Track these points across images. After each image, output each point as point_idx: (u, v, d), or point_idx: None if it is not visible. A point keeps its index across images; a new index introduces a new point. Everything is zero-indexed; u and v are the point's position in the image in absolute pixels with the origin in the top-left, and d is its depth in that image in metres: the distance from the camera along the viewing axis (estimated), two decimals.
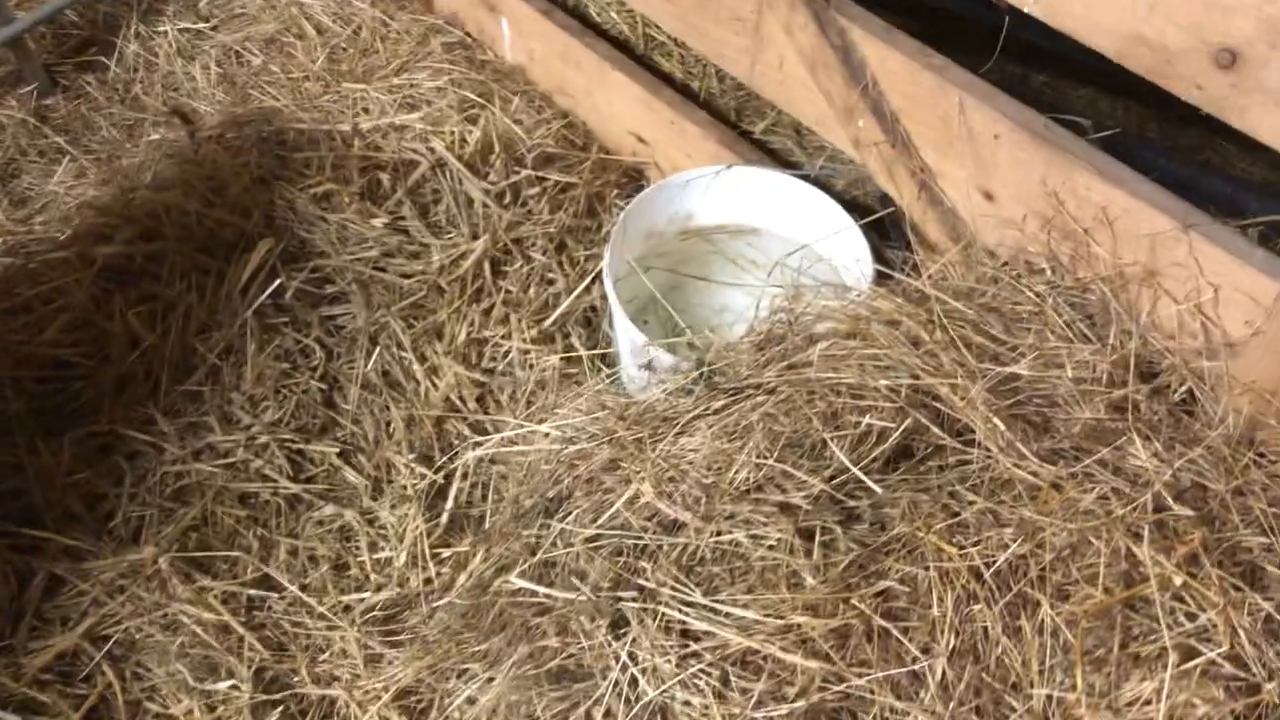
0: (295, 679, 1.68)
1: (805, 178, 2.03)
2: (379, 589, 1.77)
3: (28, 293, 1.99)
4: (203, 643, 1.70)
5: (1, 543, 1.78)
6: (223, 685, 1.66)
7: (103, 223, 2.09)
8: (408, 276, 2.06)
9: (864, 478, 1.44)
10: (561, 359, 2.01)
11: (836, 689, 1.35)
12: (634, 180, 2.36)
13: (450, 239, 2.10)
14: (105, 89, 2.50)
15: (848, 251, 1.91)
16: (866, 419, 1.50)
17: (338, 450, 1.90)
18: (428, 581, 1.77)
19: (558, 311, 2.07)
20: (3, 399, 1.89)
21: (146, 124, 2.38)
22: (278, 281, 2.00)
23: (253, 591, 1.76)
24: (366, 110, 2.32)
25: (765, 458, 1.51)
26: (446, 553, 1.79)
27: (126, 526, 1.83)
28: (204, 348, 1.96)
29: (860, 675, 1.35)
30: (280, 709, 1.64)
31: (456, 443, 1.94)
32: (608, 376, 1.98)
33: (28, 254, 2.08)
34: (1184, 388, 1.51)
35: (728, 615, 1.41)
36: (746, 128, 2.34)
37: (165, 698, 1.68)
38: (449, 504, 1.85)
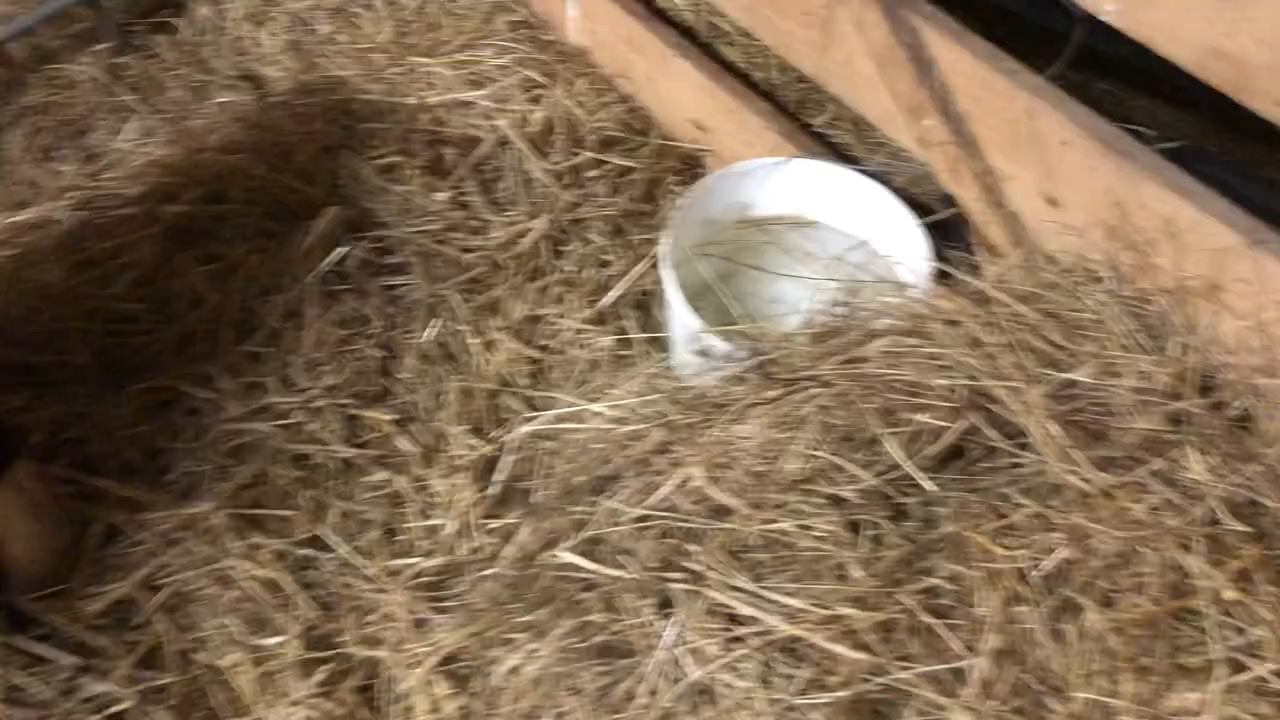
0: (342, 639, 1.72)
1: (866, 173, 2.04)
2: (427, 555, 1.80)
3: (96, 247, 2.04)
4: (253, 598, 1.74)
5: (63, 489, 1.82)
6: (271, 640, 1.70)
7: (171, 182, 2.13)
8: (468, 251, 2.09)
9: (918, 475, 1.46)
10: (615, 340, 2.03)
11: (879, 681, 1.37)
12: (691, 167, 2.37)
13: (511, 216, 2.13)
14: (175, 50, 2.54)
15: (907, 249, 1.92)
16: (921, 417, 1.52)
17: (392, 418, 1.94)
18: (475, 551, 1.80)
19: (612, 294, 2.09)
20: (69, 349, 1.94)
21: (214, 87, 2.42)
22: (341, 250, 2.03)
23: (303, 551, 1.80)
24: (432, 85, 2.35)
25: (817, 449, 1.53)
26: (494, 524, 1.82)
27: (183, 481, 1.87)
28: (265, 310, 2.00)
29: (903, 669, 1.37)
30: (327, 667, 1.68)
31: (508, 417, 1.96)
32: (659, 361, 2.00)
33: (97, 209, 2.12)
34: (1242, 404, 1.51)
35: (774, 602, 1.43)
36: (806, 120, 2.34)
37: (215, 649, 1.72)
38: (499, 477, 1.88)
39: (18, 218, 2.11)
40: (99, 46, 2.49)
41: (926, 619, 1.40)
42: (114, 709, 1.66)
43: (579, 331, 2.03)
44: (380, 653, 1.70)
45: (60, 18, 2.46)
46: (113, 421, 1.89)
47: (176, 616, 1.75)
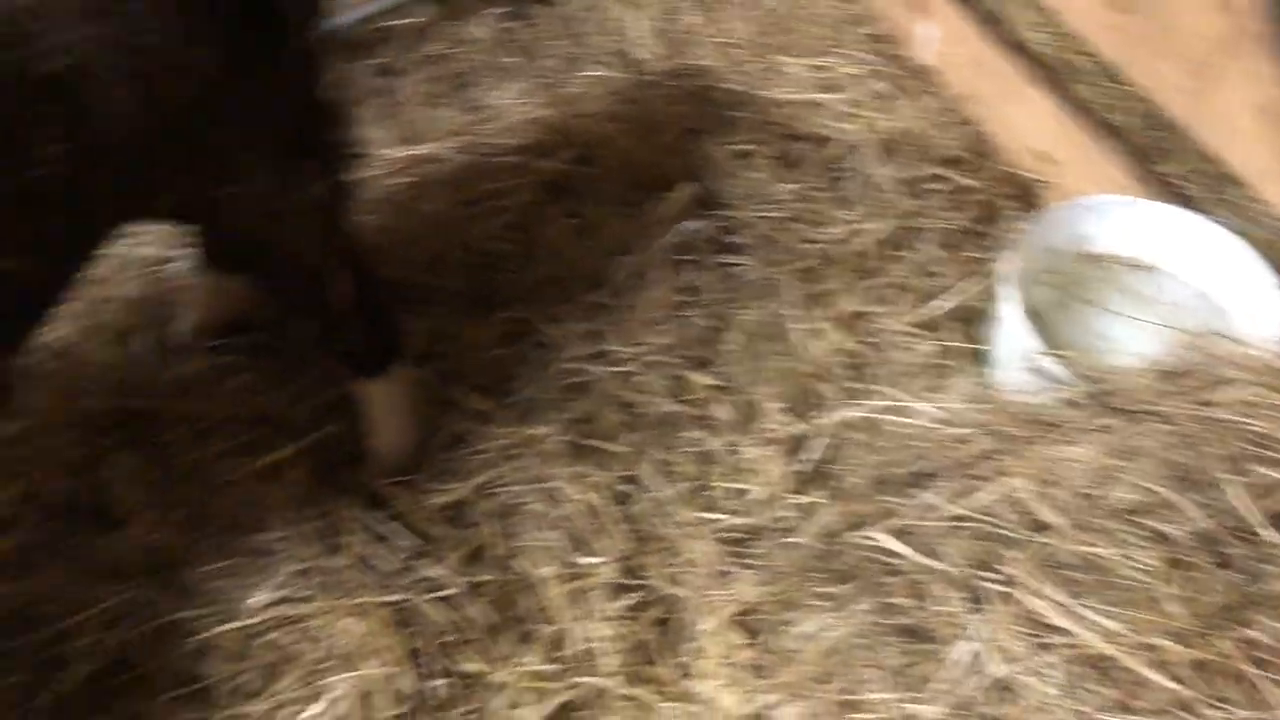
0: (648, 573, 1.86)
1: (1222, 226, 2.01)
2: (733, 514, 1.92)
3: (478, 188, 2.28)
4: (574, 519, 1.91)
5: (422, 394, 2.04)
6: (586, 560, 1.86)
7: (547, 140, 2.35)
8: (805, 242, 2.21)
9: (1261, 526, 1.45)
10: (934, 348, 2.09)
11: (1187, 716, 1.38)
12: (1029, 195, 2.40)
13: (851, 216, 2.24)
14: (555, 23, 2.77)
15: (1260, 307, 1.89)
16: (1266, 470, 1.51)
17: (714, 383, 2.07)
18: (778, 520, 1.90)
19: (940, 303, 2.15)
20: (445, 275, 2.17)
21: (587, 60, 2.63)
22: (690, 224, 2.19)
23: (622, 487, 1.95)
24: (787, 83, 2.48)
25: (1151, 483, 1.54)
26: (799, 499, 1.92)
27: (522, 405, 2.06)
28: (615, 268, 2.18)
29: (1213, 708, 1.37)
30: (633, 595, 1.83)
31: (820, 402, 2.06)
32: (978, 374, 2.04)
33: (480, 155, 2.36)
34: None
35: (1088, 619, 1.46)
36: (1156, 166, 2.32)
37: (532, 559, 1.90)
38: (810, 455, 1.97)
39: (412, 151, 2.38)
40: (494, 11, 2.76)
41: (1246, 667, 1.40)
42: (442, 593, 1.86)
43: (902, 334, 2.11)
44: (682, 592, 1.83)
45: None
46: (472, 343, 2.11)
47: (504, 523, 1.94)
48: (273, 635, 1.81)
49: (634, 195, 2.26)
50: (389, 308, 1.86)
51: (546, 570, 1.88)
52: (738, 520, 1.91)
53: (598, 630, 1.80)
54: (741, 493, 1.96)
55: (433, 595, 1.85)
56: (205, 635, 1.80)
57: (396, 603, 1.84)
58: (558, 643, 1.82)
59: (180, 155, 1.33)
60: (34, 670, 1.79)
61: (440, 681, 1.77)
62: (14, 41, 1.15)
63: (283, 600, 1.84)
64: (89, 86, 1.19)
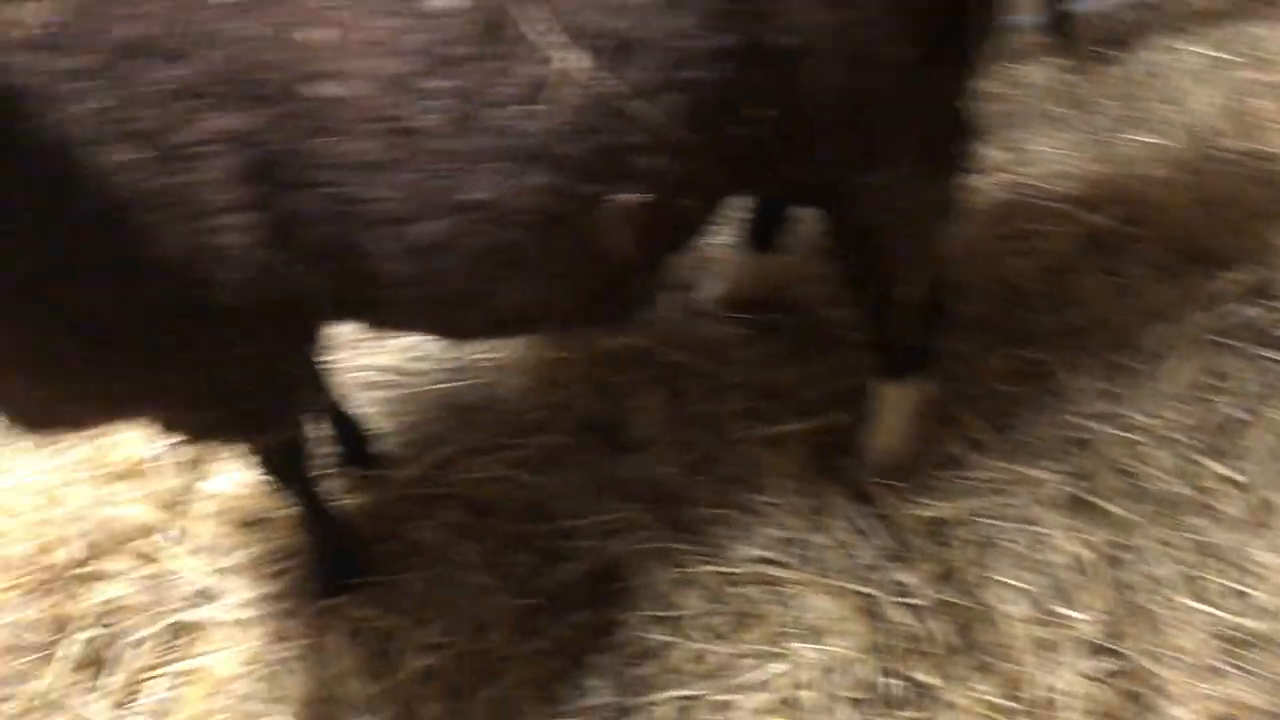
0: (1127, 644, 1.81)
1: None
2: (1232, 613, 1.82)
3: (1017, 226, 2.31)
4: (1057, 570, 1.90)
5: (929, 409, 2.09)
6: (1064, 612, 1.84)
7: (1094, 195, 2.34)
8: None
9: None
10: None
11: None
12: None
13: None
14: (1115, 83, 2.73)
15: None
16: None
17: (1230, 476, 1.97)
18: None
19: None
20: (972, 301, 2.21)
21: (1141, 124, 2.58)
22: (1241, 309, 2.10)
23: (1114, 553, 1.91)
24: None
25: None
26: None
27: (1018, 444, 2.07)
28: (1144, 333, 2.14)
29: None
30: (1109, 659, 1.79)
31: None
32: None
33: (1020, 195, 2.39)
34: None
35: None
36: None
37: (1004, 595, 1.90)
38: None
39: None
40: (1056, 61, 2.77)
41: None
42: (910, 600, 1.91)
43: None
44: (1164, 673, 1.77)
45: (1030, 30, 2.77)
46: (984, 372, 2.14)
47: (980, 552, 1.96)
48: (749, 589, 1.94)
49: (1180, 266, 2.20)
50: (937, 321, 1.93)
51: (1016, 609, 1.88)
52: (1237, 620, 1.82)
53: (1065, 683, 1.78)
54: (1243, 594, 1.86)
55: (900, 600, 1.91)
56: (688, 570, 1.96)
57: (866, 595, 1.91)
58: (1015, 682, 1.82)
59: (847, 138, 1.47)
60: (538, 555, 2.04)
61: (895, 681, 1.82)
62: (759, 16, 1.32)
63: (764, 560, 1.97)
64: (807, 64, 1.35)
